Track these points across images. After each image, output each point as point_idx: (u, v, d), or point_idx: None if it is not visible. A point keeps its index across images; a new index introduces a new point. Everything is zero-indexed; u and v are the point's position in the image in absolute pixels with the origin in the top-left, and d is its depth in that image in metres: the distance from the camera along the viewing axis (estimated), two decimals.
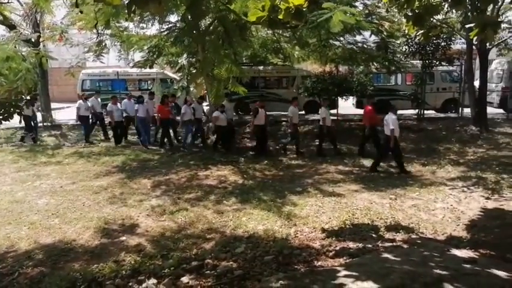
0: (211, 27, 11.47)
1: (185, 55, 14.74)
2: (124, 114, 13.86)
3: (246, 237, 6.05)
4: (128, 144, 13.90)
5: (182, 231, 6.35)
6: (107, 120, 14.76)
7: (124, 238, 6.18)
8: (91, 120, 14.90)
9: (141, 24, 13.71)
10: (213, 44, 10.45)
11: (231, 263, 5.20)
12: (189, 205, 7.59)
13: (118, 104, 13.84)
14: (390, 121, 9.55)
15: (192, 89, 15.91)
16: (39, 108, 15.46)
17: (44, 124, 16.85)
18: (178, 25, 12.85)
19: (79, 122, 15.29)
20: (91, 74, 19.46)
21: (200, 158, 11.49)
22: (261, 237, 6.02)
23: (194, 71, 12.89)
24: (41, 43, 16.14)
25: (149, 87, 18.87)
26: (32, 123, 14.85)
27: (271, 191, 8.45)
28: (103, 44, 13.42)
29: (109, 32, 13.09)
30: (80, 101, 14.68)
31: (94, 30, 10.96)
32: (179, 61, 15.77)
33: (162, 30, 13.27)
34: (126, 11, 5.61)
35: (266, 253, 5.45)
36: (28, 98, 14.80)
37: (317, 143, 12.29)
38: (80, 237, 6.22)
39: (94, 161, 11.46)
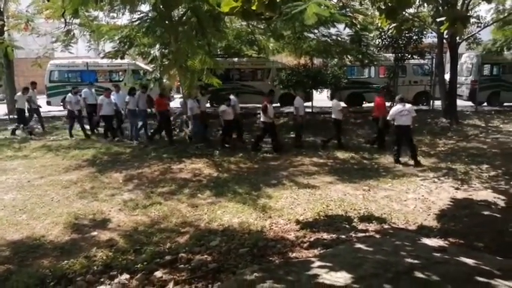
0: (184, 18, 11.30)
1: (157, 46, 14.45)
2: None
3: (221, 231, 6.05)
4: (99, 137, 13.59)
5: (155, 226, 6.29)
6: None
7: (95, 233, 6.07)
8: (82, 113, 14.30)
9: (111, 14, 13.34)
10: (186, 34, 10.30)
11: (206, 256, 5.18)
12: (163, 199, 7.51)
13: (112, 97, 13.33)
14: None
15: (164, 80, 15.66)
16: (33, 99, 14.56)
17: (10, 117, 16.27)
18: (150, 15, 12.59)
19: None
20: (59, 65, 18.84)
21: (174, 151, 11.36)
22: (236, 230, 6.03)
23: (167, 62, 12.66)
24: (5, 32, 15.51)
25: (121, 79, 18.49)
26: (25, 115, 14.31)
27: (247, 183, 8.45)
28: (72, 33, 12.99)
29: (77, 21, 12.67)
30: (70, 94, 14.06)
31: (62, 19, 10.60)
32: (152, 52, 15.45)
33: (133, 20, 12.96)
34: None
35: (241, 246, 5.46)
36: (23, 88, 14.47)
37: (294, 135, 12.35)
38: (49, 233, 6.07)
39: (63, 154, 11.16)
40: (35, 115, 14.90)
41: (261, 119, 11.52)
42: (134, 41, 13.86)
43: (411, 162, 9.82)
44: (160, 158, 10.71)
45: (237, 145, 12.18)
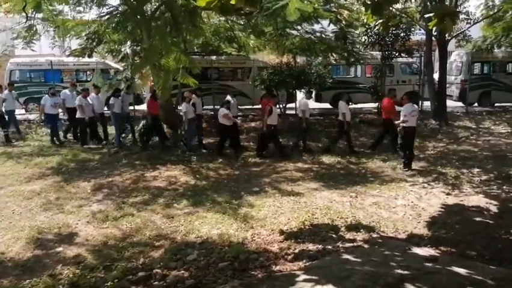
0: (157, 13, 11.23)
1: (129, 43, 14.37)
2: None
3: (199, 243, 6.00)
4: (66, 142, 13.35)
5: (127, 239, 6.19)
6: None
7: (60, 249, 5.94)
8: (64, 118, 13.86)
9: (78, 8, 13.20)
10: (159, 30, 10.23)
11: (182, 271, 5.13)
12: (135, 210, 7.40)
13: (88, 99, 12.86)
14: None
15: (136, 80, 15.51)
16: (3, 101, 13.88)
17: None
18: (120, 9, 12.48)
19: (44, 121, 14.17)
20: (21, 64, 18.44)
21: (147, 157, 11.24)
22: (215, 243, 5.99)
23: (139, 61, 12.55)
24: None
25: (88, 79, 18.21)
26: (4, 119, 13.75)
27: (226, 191, 8.42)
28: (34, 29, 12.78)
29: (40, 15, 12.47)
30: (46, 96, 13.47)
31: (23, 14, 10.41)
32: (123, 49, 15.36)
33: (102, 14, 12.82)
34: None
35: (221, 259, 5.43)
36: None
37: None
38: (10, 250, 5.92)
39: (25, 162, 10.90)
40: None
41: (268, 122, 11.23)
42: (103, 38, 13.72)
43: (400, 165, 9.98)
44: (132, 165, 10.58)
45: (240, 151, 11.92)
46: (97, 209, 7.51)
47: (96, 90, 13.51)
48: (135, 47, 14.20)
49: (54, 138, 13.20)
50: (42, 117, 13.84)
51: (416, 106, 9.86)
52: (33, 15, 11.46)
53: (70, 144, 13.10)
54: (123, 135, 13.03)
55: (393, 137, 11.09)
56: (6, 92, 13.82)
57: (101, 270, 5.23)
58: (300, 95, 11.97)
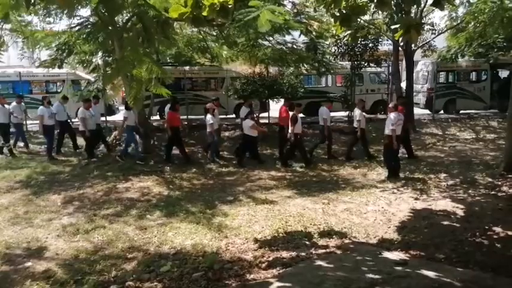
0: (129, 24, 11.12)
1: (100, 54, 14.17)
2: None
3: (173, 254, 5.93)
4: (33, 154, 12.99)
5: (99, 252, 6.05)
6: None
7: (29, 264, 5.74)
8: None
9: (48, 19, 12.94)
10: (131, 41, 10.11)
11: (156, 283, 5.05)
12: (107, 222, 7.25)
13: (91, 110, 12.36)
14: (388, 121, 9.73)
15: (108, 91, 15.29)
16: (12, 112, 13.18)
17: None
18: (91, 20, 12.31)
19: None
20: None
21: (119, 168, 11.05)
22: (189, 253, 5.93)
23: (110, 71, 12.37)
24: None
25: (58, 90, 17.81)
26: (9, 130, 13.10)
27: (200, 201, 8.37)
28: (2, 40, 12.42)
29: (8, 26, 12.17)
30: (42, 107, 12.66)
31: None
32: (94, 60, 15.14)
33: (73, 25, 12.63)
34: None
35: (195, 270, 5.37)
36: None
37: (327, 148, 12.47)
38: None
39: None
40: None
41: (290, 131, 11.16)
42: (74, 49, 13.50)
43: (372, 171, 10.14)
44: (104, 176, 10.38)
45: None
46: (68, 222, 7.31)
47: (95, 100, 13.41)
48: (106, 58, 14.00)
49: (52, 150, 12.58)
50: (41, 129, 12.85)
51: (401, 115, 9.87)
52: (0, 26, 11.17)
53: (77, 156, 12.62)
54: (130, 148, 12.46)
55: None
56: (14, 104, 13.30)
57: (71, 284, 5.09)
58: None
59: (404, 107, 11.31)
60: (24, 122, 14.10)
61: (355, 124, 11.87)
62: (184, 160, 11.96)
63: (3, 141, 12.88)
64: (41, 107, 12.65)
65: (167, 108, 12.94)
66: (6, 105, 13.15)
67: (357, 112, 11.86)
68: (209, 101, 15.86)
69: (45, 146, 12.91)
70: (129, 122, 11.99)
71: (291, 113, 11.41)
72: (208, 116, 11.86)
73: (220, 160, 11.96)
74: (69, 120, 13.53)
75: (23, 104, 13.82)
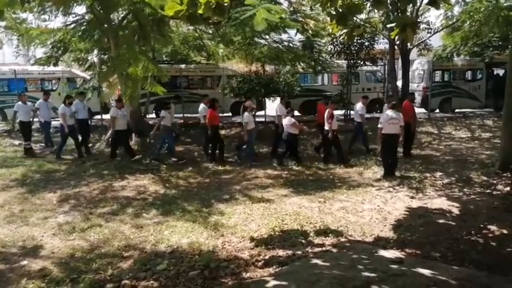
0: (124, 21, 11.09)
1: (95, 51, 14.13)
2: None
3: (169, 253, 5.92)
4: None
5: (95, 251, 6.03)
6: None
7: (25, 262, 5.72)
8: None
9: (43, 16, 12.90)
10: (126, 39, 10.10)
11: (152, 282, 5.04)
12: (103, 220, 7.23)
13: (123, 110, 11.97)
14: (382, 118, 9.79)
15: (103, 89, 15.24)
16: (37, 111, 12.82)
17: None
18: (86, 17, 12.27)
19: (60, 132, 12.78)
20: None
21: (115, 166, 11.02)
22: (185, 252, 5.92)
23: (106, 69, 12.33)
24: None
25: (54, 88, 17.73)
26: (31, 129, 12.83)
27: (197, 200, 8.37)
28: None
29: (3, 24, 12.13)
30: (63, 105, 12.18)
31: None
32: (89, 58, 15.11)
33: (68, 23, 12.57)
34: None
35: (191, 268, 5.37)
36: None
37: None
38: None
39: None
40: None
41: (326, 128, 11.16)
42: (69, 46, 13.46)
43: (368, 170, 10.17)
44: (100, 175, 10.35)
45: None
46: (63, 220, 7.29)
47: (45, 96, 13.13)
48: (102, 56, 13.96)
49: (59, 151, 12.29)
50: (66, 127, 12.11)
51: (398, 113, 9.86)
52: None
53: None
54: (163, 147, 12.38)
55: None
56: (40, 101, 12.99)
57: (67, 283, 5.08)
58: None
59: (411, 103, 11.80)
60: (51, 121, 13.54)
61: (357, 118, 12.17)
62: (220, 159, 11.77)
63: (24, 140, 12.63)
64: (62, 106, 12.24)
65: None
66: (28, 103, 12.84)
67: (358, 107, 12.21)
68: (206, 99, 15.90)
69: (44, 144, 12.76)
70: (166, 122, 11.83)
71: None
72: (245, 115, 11.51)
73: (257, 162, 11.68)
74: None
75: (50, 101, 13.39)
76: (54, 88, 17.71)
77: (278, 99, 18.44)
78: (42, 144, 13.76)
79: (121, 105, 11.94)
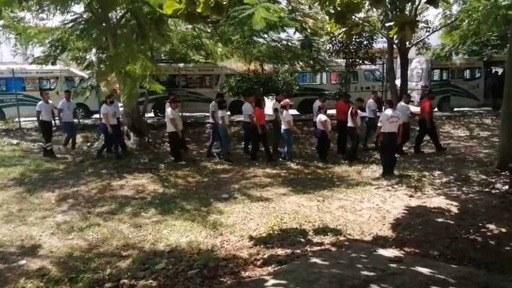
0: (123, 20, 11.08)
1: (94, 50, 14.10)
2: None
3: (168, 252, 5.92)
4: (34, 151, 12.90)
5: (93, 250, 6.03)
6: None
7: (23, 262, 5.72)
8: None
9: (41, 15, 12.85)
10: (125, 38, 10.07)
11: (150, 281, 5.03)
12: (101, 219, 7.23)
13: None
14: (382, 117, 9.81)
15: (102, 87, 15.22)
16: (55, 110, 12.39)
17: None
18: (84, 16, 12.25)
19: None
20: None
21: (113, 166, 11.01)
22: (184, 251, 5.92)
23: (104, 68, 12.29)
24: None
25: (52, 87, 17.68)
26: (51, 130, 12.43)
27: (195, 199, 8.36)
28: None
29: (1, 22, 12.09)
30: (105, 105, 11.91)
31: None
32: (88, 57, 15.07)
33: (66, 21, 12.54)
34: None
35: (190, 267, 5.37)
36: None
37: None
38: None
39: None
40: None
41: (349, 124, 11.21)
42: (67, 45, 13.43)
43: (367, 168, 10.16)
44: (98, 174, 10.34)
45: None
46: (62, 219, 7.28)
47: (67, 95, 12.87)
48: (100, 55, 13.93)
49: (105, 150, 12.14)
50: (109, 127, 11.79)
51: (397, 112, 9.95)
52: None
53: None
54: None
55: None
56: (63, 101, 12.60)
57: (66, 282, 5.07)
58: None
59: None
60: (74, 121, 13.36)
61: (369, 114, 12.53)
62: (268, 158, 11.66)
63: (46, 141, 12.38)
64: (104, 105, 11.97)
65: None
66: (50, 101, 12.50)
67: (370, 103, 12.59)
68: (205, 98, 15.92)
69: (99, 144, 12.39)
70: (226, 121, 11.81)
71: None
72: (285, 113, 11.42)
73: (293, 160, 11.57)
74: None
75: (72, 101, 13.17)
76: (52, 87, 17.68)
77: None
78: (40, 143, 13.73)
79: (176, 106, 11.76)
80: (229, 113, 13.02)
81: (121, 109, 13.30)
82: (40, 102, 12.32)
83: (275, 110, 12.33)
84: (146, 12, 9.28)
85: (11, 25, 12.60)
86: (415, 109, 18.40)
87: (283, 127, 11.46)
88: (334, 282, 4.35)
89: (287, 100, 12.06)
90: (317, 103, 12.50)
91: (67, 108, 12.56)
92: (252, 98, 12.48)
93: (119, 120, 12.43)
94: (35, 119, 13.20)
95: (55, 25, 13.17)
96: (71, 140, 12.97)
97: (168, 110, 11.53)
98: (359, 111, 11.63)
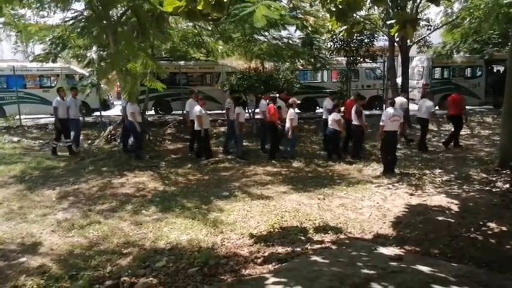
0: (123, 17, 11.05)
1: (94, 48, 14.08)
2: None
3: (168, 249, 5.92)
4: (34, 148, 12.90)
5: (94, 247, 6.04)
6: None
7: (24, 259, 5.72)
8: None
9: (41, 12, 12.82)
10: (125, 36, 10.06)
11: (151, 278, 5.03)
12: (102, 217, 7.23)
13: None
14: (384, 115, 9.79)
15: (102, 85, 15.20)
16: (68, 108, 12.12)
17: None
18: (85, 13, 12.22)
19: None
20: None
21: (114, 163, 11.00)
22: (184, 248, 5.92)
23: (105, 66, 12.26)
24: None
25: (53, 84, 17.69)
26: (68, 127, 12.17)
27: (196, 197, 8.36)
28: None
29: (1, 20, 12.05)
30: (129, 103, 11.52)
31: None
32: (88, 55, 15.05)
33: (67, 19, 12.51)
34: None
35: (190, 265, 5.37)
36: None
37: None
38: None
39: None
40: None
41: (354, 123, 11.17)
42: (68, 43, 13.40)
43: (368, 167, 10.16)
44: (99, 171, 10.33)
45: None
46: (62, 217, 7.28)
47: (74, 92, 12.68)
48: (101, 52, 13.91)
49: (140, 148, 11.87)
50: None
51: (399, 110, 9.95)
52: None
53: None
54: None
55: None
56: (70, 98, 12.33)
57: (66, 280, 5.07)
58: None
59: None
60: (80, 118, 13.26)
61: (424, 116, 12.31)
62: (270, 156, 11.67)
63: (65, 137, 12.21)
64: (131, 104, 11.55)
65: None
66: (65, 98, 12.23)
67: (327, 103, 12.26)
68: (206, 96, 15.87)
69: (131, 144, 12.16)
70: (241, 118, 11.76)
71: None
72: (291, 111, 11.37)
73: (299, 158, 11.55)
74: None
75: (78, 98, 12.98)
76: (53, 85, 17.69)
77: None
78: (41, 141, 13.75)
79: (203, 103, 11.55)
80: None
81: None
82: (57, 99, 12.08)
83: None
84: (147, 9, 9.26)
85: (11, 22, 12.53)
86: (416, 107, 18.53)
87: (287, 125, 11.44)
88: (334, 281, 4.35)
89: (294, 99, 12.04)
90: (328, 101, 12.39)
91: (74, 105, 12.41)
92: (267, 95, 12.49)
93: (144, 118, 12.31)
94: (35, 116, 13.21)
95: (56, 23, 13.08)
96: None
97: (197, 107, 11.37)
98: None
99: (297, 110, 12.24)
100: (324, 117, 12.58)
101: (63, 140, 12.30)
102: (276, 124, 11.47)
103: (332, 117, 11.18)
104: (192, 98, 12.40)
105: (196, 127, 11.33)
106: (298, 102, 12.37)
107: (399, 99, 12.10)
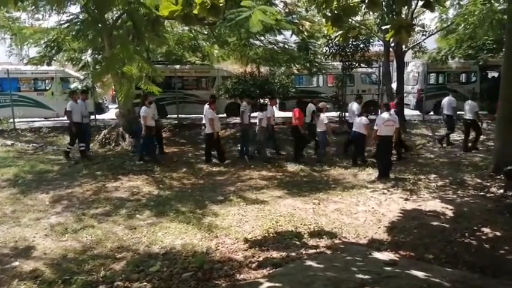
0: (119, 21, 11.08)
1: (89, 51, 14.09)
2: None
3: (162, 254, 5.90)
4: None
5: (87, 252, 6.00)
6: None
7: (16, 263, 5.68)
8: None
9: (36, 15, 12.84)
10: (121, 39, 10.08)
11: (145, 283, 5.02)
12: (96, 221, 7.19)
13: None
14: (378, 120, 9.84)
15: (97, 89, 15.18)
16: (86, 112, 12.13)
17: None
18: (80, 17, 12.23)
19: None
20: None
21: (108, 167, 10.97)
22: (179, 253, 5.90)
23: (100, 69, 12.25)
24: None
25: (47, 88, 17.62)
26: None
27: (191, 201, 8.34)
28: None
29: None
30: (144, 107, 11.46)
31: None
32: (83, 58, 15.06)
33: (62, 22, 12.52)
34: None
35: (184, 270, 5.35)
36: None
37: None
38: None
39: None
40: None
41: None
42: (63, 46, 13.41)
43: (363, 171, 10.19)
44: (93, 175, 10.29)
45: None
46: (56, 221, 7.24)
47: (83, 96, 12.46)
48: (96, 56, 13.91)
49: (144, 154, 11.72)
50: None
51: (394, 115, 9.98)
52: None
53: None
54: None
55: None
56: (80, 101, 12.05)
57: (59, 284, 5.04)
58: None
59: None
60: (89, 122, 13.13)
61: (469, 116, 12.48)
62: (295, 159, 11.81)
63: (79, 142, 12.02)
64: (143, 107, 11.50)
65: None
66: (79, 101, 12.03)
67: (354, 107, 12.33)
68: (201, 100, 15.92)
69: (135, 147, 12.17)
70: (263, 123, 11.83)
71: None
72: (322, 115, 11.47)
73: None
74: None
75: (87, 101, 12.81)
76: (47, 88, 17.62)
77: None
78: (35, 144, 13.69)
79: (214, 106, 11.70)
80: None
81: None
82: (70, 102, 11.89)
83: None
84: (143, 13, 9.29)
85: (6, 25, 12.56)
86: (412, 112, 18.62)
87: (318, 129, 11.55)
88: (329, 285, 4.36)
89: (324, 103, 12.19)
90: (355, 105, 12.44)
91: (85, 108, 12.23)
92: (273, 100, 12.56)
93: (157, 122, 12.30)
94: (29, 119, 13.13)
95: (51, 25, 13.11)
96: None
97: (209, 111, 11.48)
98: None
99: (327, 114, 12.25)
100: (350, 120, 12.70)
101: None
102: (300, 129, 11.57)
103: (359, 121, 11.13)
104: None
105: (207, 130, 11.47)
106: (328, 106, 12.39)
107: (448, 99, 12.80)
